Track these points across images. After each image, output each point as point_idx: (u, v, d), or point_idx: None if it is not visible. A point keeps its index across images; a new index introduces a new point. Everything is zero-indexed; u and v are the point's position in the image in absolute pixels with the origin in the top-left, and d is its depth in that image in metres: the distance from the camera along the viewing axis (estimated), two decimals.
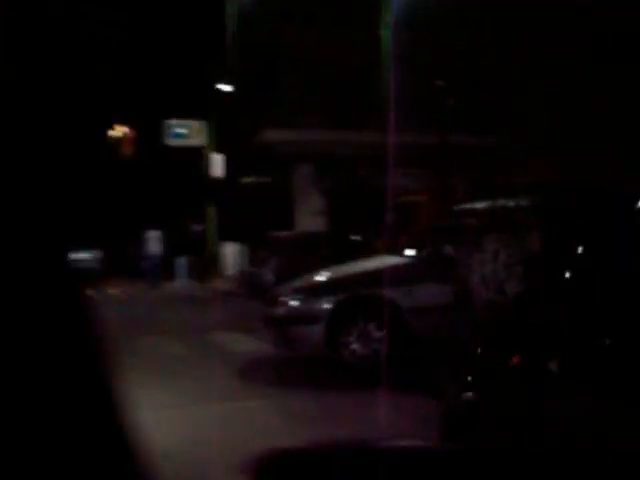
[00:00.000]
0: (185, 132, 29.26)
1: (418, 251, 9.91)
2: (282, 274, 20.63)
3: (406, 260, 9.84)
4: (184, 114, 29.91)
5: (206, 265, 27.74)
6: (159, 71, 32.85)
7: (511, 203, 7.60)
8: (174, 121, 29.38)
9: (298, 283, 10.18)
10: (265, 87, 28.40)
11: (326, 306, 9.42)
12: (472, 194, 16.06)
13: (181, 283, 26.36)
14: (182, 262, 26.40)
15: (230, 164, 29.01)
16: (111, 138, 42.34)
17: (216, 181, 29.35)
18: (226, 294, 23.27)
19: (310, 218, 28.01)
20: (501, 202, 7.77)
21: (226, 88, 28.46)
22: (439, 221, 10.92)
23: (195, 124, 29.46)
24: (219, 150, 29.39)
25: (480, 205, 8.46)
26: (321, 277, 10.15)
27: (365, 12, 28.12)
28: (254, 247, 24.77)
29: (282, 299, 9.84)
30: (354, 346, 9.40)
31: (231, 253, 28.18)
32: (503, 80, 27.59)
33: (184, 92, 30.33)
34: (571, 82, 25.23)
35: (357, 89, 29.24)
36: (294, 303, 9.67)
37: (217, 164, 29.17)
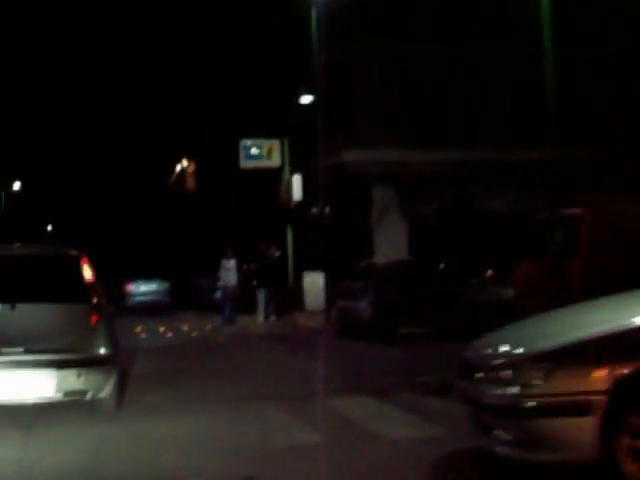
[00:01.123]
0: (260, 152, 24.99)
1: None
2: (385, 308, 16.13)
3: None
4: (258, 134, 25.79)
5: (287, 298, 23.08)
6: (234, 92, 29.04)
7: None
8: (249, 141, 25.16)
9: (527, 345, 5.45)
10: (343, 105, 24.26)
11: (601, 386, 4.76)
12: None
13: (261, 318, 21.77)
14: (261, 294, 21.76)
15: (307, 186, 24.56)
16: (177, 172, 39.13)
17: (294, 205, 24.87)
18: (317, 332, 18.56)
19: (392, 244, 23.54)
20: None
21: (307, 100, 24.04)
22: None
23: (270, 143, 25.16)
24: (295, 171, 24.98)
25: None
26: (568, 333, 5.41)
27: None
28: (338, 277, 20.23)
29: (507, 372, 5.16)
30: None
31: (313, 284, 23.41)
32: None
33: (260, 112, 26.44)
34: None
35: (436, 106, 25.17)
36: (536, 381, 4.99)
37: (294, 186, 24.62)
